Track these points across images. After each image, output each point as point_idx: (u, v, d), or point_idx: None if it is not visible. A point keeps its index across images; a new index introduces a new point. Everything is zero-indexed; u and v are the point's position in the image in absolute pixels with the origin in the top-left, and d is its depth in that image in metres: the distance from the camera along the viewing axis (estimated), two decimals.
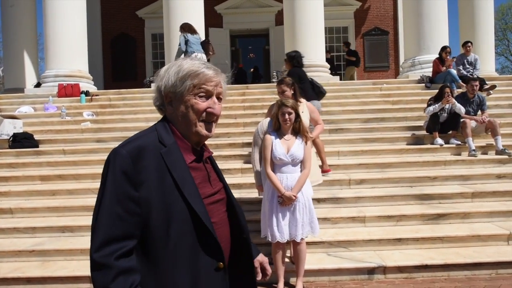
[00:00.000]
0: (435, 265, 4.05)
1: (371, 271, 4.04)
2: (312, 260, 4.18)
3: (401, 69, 10.18)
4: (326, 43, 17.31)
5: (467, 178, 5.58)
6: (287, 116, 3.63)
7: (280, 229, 3.62)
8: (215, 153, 5.99)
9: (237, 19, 17.09)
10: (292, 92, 4.15)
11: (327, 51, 14.94)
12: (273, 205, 3.67)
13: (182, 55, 7.68)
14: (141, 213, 1.19)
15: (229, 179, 4.92)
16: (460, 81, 8.25)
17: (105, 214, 1.18)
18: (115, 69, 16.97)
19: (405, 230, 4.59)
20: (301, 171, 3.69)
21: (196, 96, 1.28)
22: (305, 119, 4.24)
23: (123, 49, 17.07)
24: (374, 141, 6.61)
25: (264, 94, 8.64)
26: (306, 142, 3.69)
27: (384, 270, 4.02)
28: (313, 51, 8.97)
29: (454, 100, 6.26)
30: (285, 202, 3.58)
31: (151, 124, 6.05)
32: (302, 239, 3.68)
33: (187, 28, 8.13)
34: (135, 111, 8.05)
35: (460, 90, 8.32)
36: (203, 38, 8.78)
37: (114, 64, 17.03)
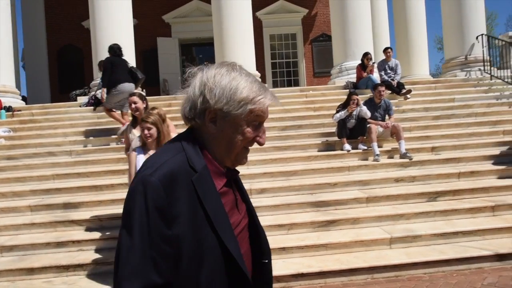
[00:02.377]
0: (312, 273, 4.10)
1: None
2: None
3: (331, 75, 10.35)
4: (275, 50, 17.75)
5: (366, 183, 5.69)
6: (146, 131, 3.65)
7: None
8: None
9: (186, 28, 17.06)
10: (144, 105, 4.14)
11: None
12: None
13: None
14: (173, 254, 1.04)
15: None
16: None
17: (138, 259, 1.01)
18: (62, 81, 16.64)
19: (292, 239, 4.64)
20: None
21: (250, 123, 1.13)
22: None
23: (71, 60, 16.78)
24: (286, 149, 6.68)
25: None
26: None
27: None
28: (240, 60, 8.99)
29: (357, 108, 6.41)
30: None
31: (70, 139, 5.83)
32: None
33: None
34: (55, 126, 7.89)
35: None
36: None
37: (61, 76, 16.70)
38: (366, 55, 8.63)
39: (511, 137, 6.89)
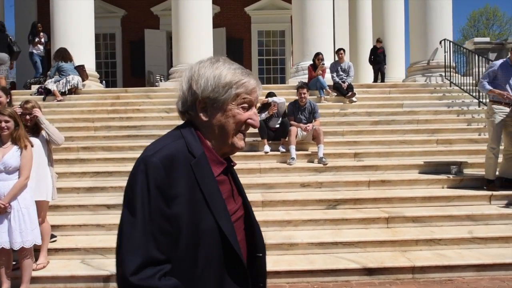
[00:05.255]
0: None
1: (106, 279, 4.06)
2: (59, 266, 4.22)
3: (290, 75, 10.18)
4: (262, 46, 17.60)
5: (271, 187, 5.59)
6: (3, 124, 3.69)
7: None
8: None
9: None
10: (8, 100, 4.15)
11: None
12: None
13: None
14: (172, 232, 1.08)
15: None
16: (327, 88, 8.29)
17: (140, 234, 1.05)
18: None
19: None
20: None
21: (239, 106, 1.18)
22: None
23: None
24: None
25: (139, 98, 8.64)
26: (24, 151, 3.73)
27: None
28: (195, 56, 9.01)
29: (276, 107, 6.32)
30: None
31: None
32: (23, 247, 3.72)
33: (61, 57, 8.60)
34: None
35: (328, 97, 8.39)
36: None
37: None
38: (317, 55, 8.45)
39: (444, 147, 6.66)
